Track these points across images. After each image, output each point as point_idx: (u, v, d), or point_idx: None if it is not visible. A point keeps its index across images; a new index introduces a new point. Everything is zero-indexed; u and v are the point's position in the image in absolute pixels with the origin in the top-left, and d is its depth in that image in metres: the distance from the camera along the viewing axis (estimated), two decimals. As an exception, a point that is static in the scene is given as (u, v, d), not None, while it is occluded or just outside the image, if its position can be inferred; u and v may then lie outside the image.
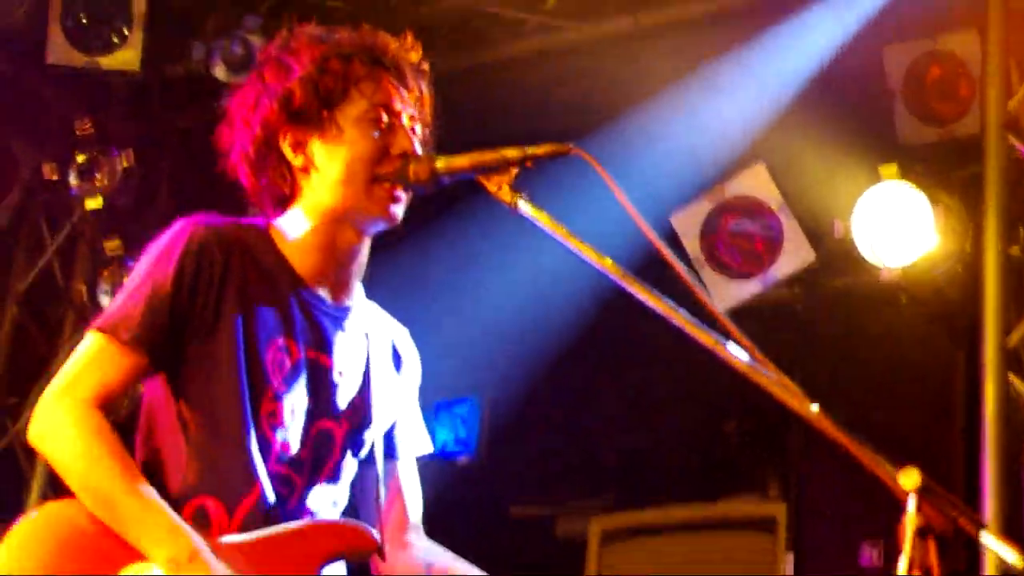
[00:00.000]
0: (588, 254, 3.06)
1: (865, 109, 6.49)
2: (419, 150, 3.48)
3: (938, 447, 6.32)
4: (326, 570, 3.43)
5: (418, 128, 3.54)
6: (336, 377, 3.55)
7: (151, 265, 3.42)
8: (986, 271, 6.00)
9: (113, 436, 3.31)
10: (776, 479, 6.74)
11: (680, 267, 3.00)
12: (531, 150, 3.20)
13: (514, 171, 3.21)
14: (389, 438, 3.74)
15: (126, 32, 6.62)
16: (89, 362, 3.39)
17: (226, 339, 3.43)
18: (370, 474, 3.71)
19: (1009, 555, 2.58)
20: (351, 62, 3.53)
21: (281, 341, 3.47)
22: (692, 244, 6.52)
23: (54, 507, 3.40)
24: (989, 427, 5.80)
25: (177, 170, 7.41)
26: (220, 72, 6.50)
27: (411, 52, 3.62)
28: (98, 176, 7.25)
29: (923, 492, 2.55)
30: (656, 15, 6.87)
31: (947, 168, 6.43)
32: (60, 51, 6.59)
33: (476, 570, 3.60)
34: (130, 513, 3.26)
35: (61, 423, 3.33)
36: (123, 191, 7.32)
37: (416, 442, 3.82)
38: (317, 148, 3.50)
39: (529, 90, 6.77)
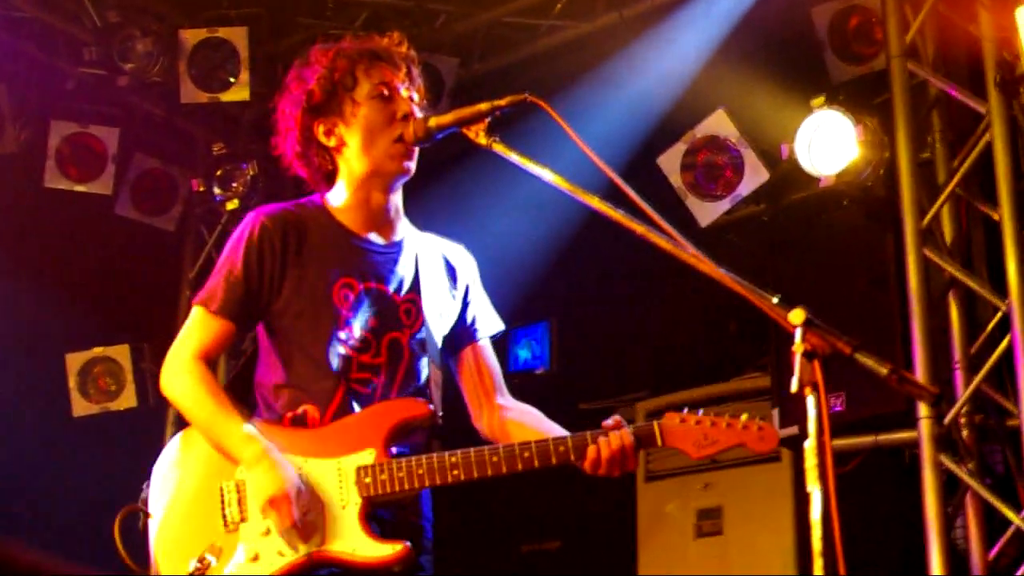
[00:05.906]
0: (558, 183, 3.37)
1: (800, 58, 7.23)
2: (418, 113, 3.89)
3: (877, 307, 6.74)
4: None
5: (415, 96, 3.97)
6: (394, 298, 3.97)
7: (229, 251, 3.94)
8: (901, 172, 6.72)
9: (211, 379, 3.89)
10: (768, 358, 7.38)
11: (637, 198, 3.20)
12: (496, 102, 3.55)
13: (487, 121, 3.55)
14: (465, 326, 4.13)
15: (236, 73, 8.00)
16: (192, 328, 3.93)
17: (297, 291, 3.90)
18: (451, 363, 4.16)
19: (881, 369, 2.70)
20: (353, 58, 3.95)
21: (343, 280, 3.90)
22: (676, 178, 7.26)
23: (189, 433, 3.99)
24: (913, 289, 6.58)
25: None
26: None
27: (400, 46, 4.02)
28: (234, 185, 8.45)
29: (807, 325, 2.74)
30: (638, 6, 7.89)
31: (868, 96, 7.07)
32: (189, 93, 8.04)
33: (554, 425, 4.00)
34: (221, 432, 3.83)
35: (175, 374, 3.90)
36: (253, 193, 8.39)
37: (489, 323, 4.20)
38: (343, 129, 3.93)
39: (543, 80, 7.78)
